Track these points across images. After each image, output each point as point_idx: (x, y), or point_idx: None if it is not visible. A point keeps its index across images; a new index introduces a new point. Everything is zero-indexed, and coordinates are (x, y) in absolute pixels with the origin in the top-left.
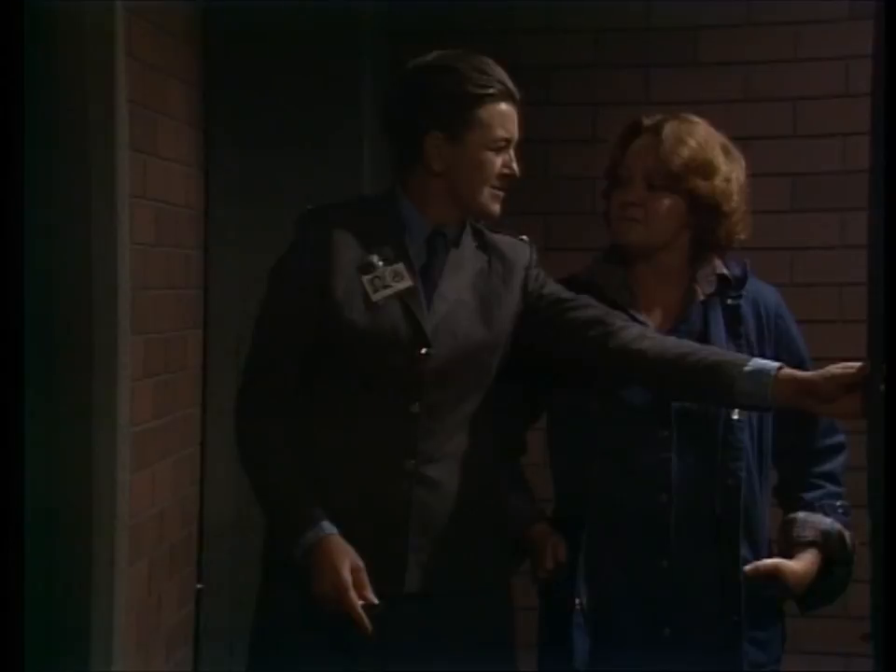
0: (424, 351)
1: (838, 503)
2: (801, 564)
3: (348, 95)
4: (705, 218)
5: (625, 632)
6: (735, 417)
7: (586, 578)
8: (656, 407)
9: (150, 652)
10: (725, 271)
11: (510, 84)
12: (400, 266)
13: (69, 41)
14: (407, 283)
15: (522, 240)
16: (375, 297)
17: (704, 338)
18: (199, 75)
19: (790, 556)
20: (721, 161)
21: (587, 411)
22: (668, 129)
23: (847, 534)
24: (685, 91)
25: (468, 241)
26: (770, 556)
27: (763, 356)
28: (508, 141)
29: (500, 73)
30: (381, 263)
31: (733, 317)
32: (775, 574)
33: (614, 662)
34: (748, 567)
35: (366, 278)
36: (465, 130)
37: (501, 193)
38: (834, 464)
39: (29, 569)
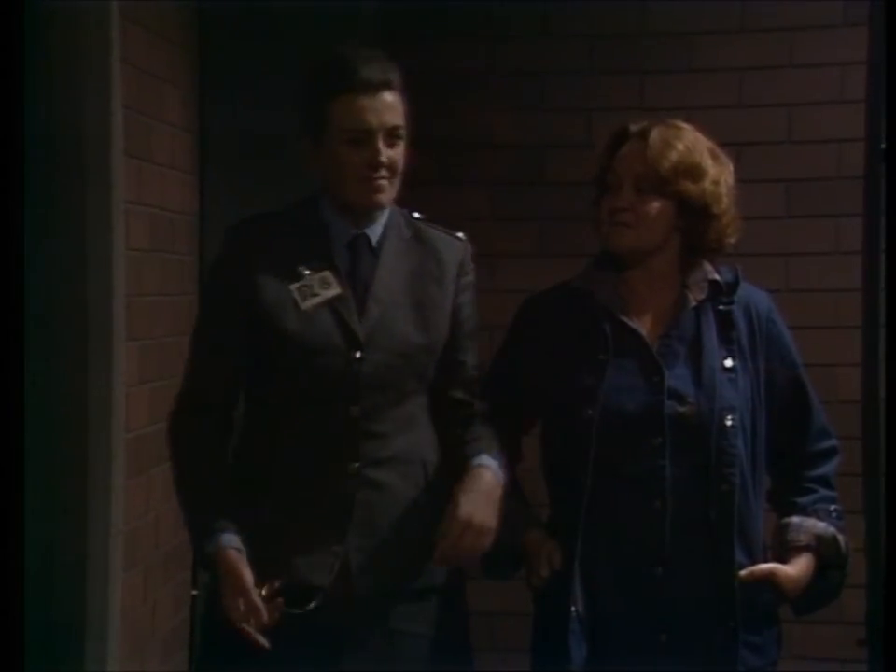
0: (358, 355)
1: (832, 507)
2: (796, 568)
3: None
4: (695, 221)
5: (621, 638)
6: (729, 423)
7: (582, 584)
8: (649, 414)
9: (145, 658)
10: (717, 276)
11: (366, 72)
12: (328, 274)
13: (65, 47)
14: (335, 290)
15: (458, 238)
16: (304, 306)
17: (696, 344)
18: (194, 80)
19: (784, 561)
20: (709, 164)
21: (579, 418)
22: (655, 134)
23: (840, 538)
24: (680, 97)
25: (398, 239)
26: (765, 561)
27: (755, 361)
28: (367, 132)
29: (357, 63)
30: (307, 272)
31: (725, 323)
32: (770, 579)
33: (610, 668)
34: (743, 572)
35: (294, 287)
36: (320, 129)
37: (382, 181)
38: (828, 468)
39: (25, 574)
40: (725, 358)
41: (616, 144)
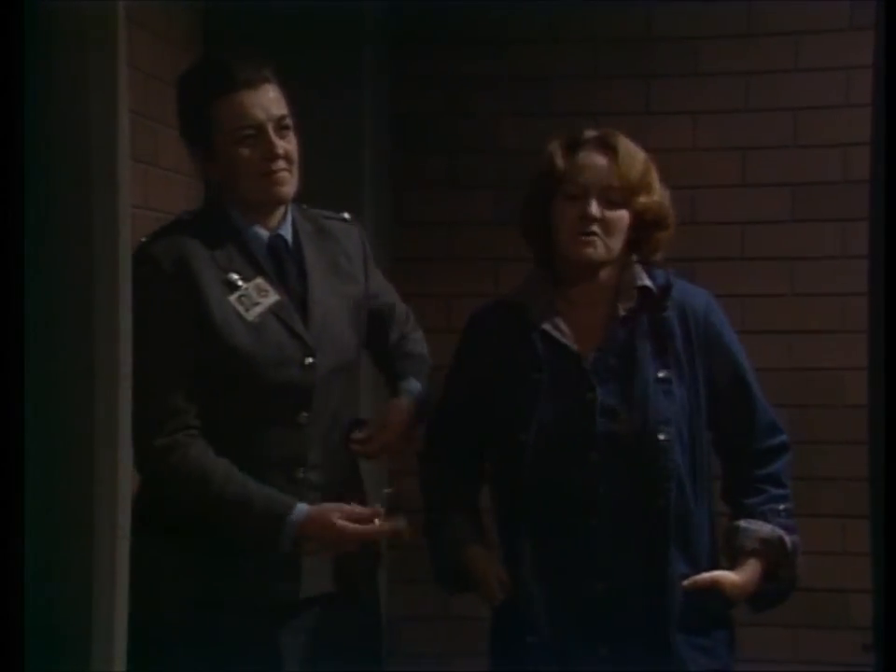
0: (309, 362)
1: (781, 506)
2: (742, 574)
3: (348, 100)
4: (645, 233)
5: (563, 653)
6: (663, 437)
7: (530, 606)
8: (582, 432)
9: None
10: (647, 282)
11: (243, 70)
12: (261, 281)
13: (70, 50)
14: (274, 297)
15: (347, 220)
16: (249, 316)
17: (630, 356)
18: None
19: (734, 564)
20: (655, 177)
21: (514, 438)
22: (622, 145)
23: (788, 539)
24: (685, 102)
25: (305, 235)
26: (712, 567)
27: (692, 366)
28: (256, 126)
29: (233, 63)
30: (240, 281)
31: (659, 331)
32: (714, 587)
33: None
34: (686, 582)
35: (233, 299)
36: (208, 135)
37: (282, 173)
38: (777, 465)
39: (29, 579)
40: (659, 370)
41: (571, 148)
